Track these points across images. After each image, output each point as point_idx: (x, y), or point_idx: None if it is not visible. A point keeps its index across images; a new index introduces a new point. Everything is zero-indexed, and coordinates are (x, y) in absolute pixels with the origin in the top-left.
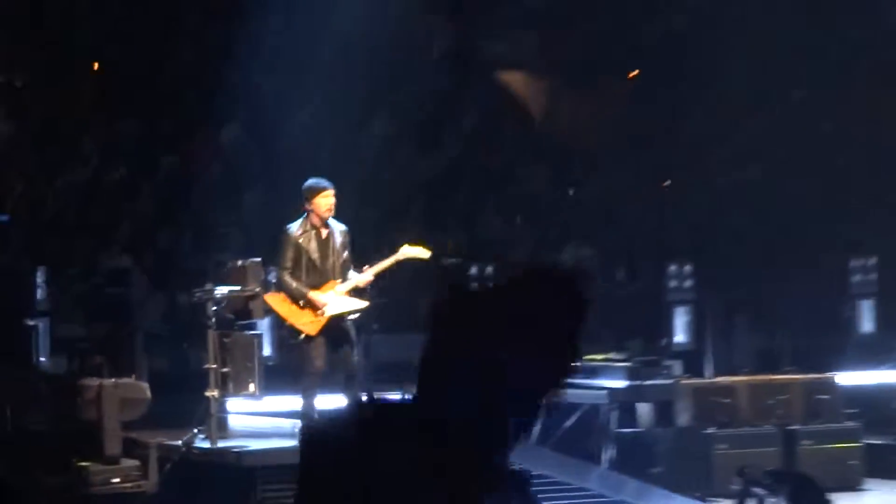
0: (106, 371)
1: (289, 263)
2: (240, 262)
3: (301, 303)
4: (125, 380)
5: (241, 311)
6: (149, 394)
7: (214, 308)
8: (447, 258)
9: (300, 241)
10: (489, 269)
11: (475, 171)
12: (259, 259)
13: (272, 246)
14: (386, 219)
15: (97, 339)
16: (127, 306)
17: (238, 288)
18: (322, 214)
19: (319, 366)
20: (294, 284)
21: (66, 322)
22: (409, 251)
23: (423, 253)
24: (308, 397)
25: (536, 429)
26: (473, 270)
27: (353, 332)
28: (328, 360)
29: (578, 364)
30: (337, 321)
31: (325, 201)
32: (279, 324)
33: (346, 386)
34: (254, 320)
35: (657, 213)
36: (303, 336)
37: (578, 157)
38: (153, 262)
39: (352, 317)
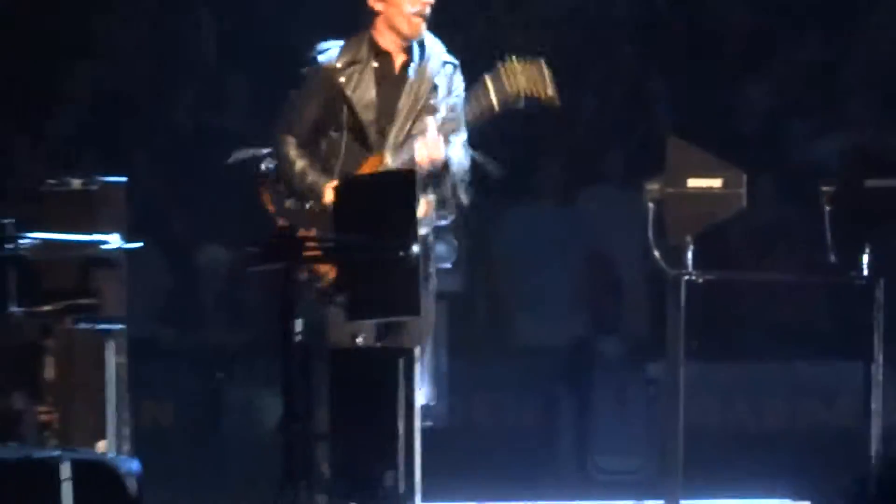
0: None
1: (297, 125)
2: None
3: (306, 205)
4: None
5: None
6: None
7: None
8: None
9: (340, 80)
10: None
11: None
12: None
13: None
14: None
15: None
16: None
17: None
18: (402, 25)
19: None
20: (296, 163)
21: None
22: (520, 82)
23: (546, 86)
24: None
25: None
26: None
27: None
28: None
29: None
30: None
31: None
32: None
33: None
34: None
35: None
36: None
37: None
38: None
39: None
